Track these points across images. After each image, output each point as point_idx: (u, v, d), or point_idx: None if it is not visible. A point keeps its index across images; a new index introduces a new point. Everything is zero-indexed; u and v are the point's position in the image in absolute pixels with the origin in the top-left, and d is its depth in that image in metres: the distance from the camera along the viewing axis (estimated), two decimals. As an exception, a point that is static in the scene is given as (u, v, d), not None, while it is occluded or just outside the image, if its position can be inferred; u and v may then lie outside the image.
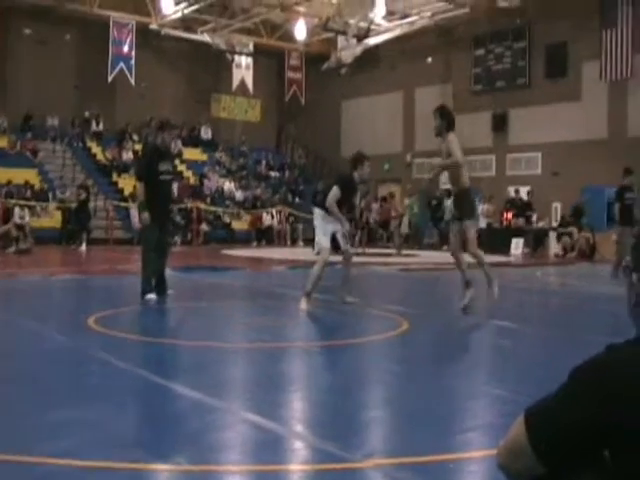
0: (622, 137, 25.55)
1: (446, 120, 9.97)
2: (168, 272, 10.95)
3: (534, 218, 26.89)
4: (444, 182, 31.43)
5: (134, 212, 26.96)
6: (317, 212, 9.91)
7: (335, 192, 9.66)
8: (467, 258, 9.70)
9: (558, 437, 1.72)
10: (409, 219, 25.61)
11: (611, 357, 1.73)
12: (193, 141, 34.41)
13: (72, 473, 3.47)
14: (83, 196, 23.66)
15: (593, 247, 24.01)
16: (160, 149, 10.51)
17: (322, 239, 9.73)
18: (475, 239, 9.78)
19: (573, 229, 24.99)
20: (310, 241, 27.81)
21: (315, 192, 24.78)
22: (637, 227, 16.08)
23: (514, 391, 5.01)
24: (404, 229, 24.83)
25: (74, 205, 24.52)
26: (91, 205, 26.18)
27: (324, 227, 9.78)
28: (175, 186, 11.23)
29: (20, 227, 21.62)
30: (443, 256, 22.51)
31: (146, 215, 10.05)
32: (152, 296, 10.02)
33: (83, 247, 22.60)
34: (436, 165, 11.43)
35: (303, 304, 9.37)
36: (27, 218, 22.79)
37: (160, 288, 10.30)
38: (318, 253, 9.85)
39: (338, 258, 10.24)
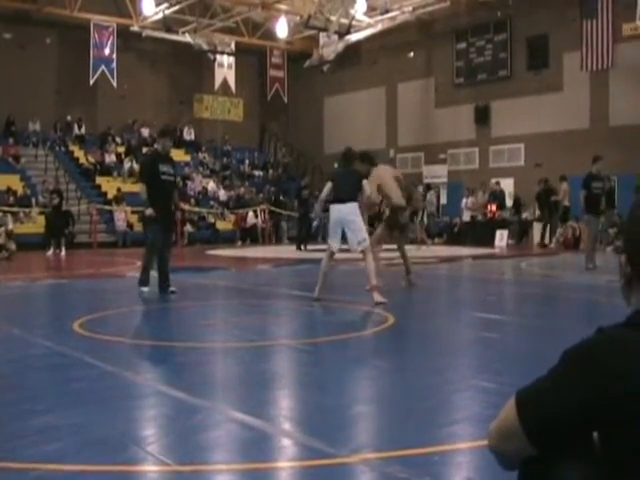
0: (604, 127, 25.69)
1: (369, 161, 11.23)
2: (154, 273, 11.11)
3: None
4: (426, 175, 31.82)
5: (118, 215, 26.95)
6: (353, 207, 9.86)
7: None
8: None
9: (549, 419, 1.72)
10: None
11: (601, 339, 1.73)
12: (176, 142, 34.29)
13: (60, 477, 3.46)
14: (56, 201, 23.49)
15: (578, 237, 24.12)
16: (160, 153, 11.38)
17: (366, 234, 9.99)
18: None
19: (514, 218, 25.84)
20: (293, 239, 28.06)
21: (300, 192, 24.83)
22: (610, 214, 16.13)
23: (500, 382, 5.03)
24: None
25: (48, 210, 24.31)
26: (74, 209, 26.09)
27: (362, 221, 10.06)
28: (176, 193, 11.75)
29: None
30: (427, 250, 22.59)
31: (150, 210, 10.78)
32: (146, 289, 10.82)
33: (62, 252, 22.49)
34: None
35: (379, 297, 9.47)
36: (10, 225, 22.61)
37: (163, 285, 11.03)
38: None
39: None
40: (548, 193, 25.01)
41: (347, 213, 9.80)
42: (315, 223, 27.30)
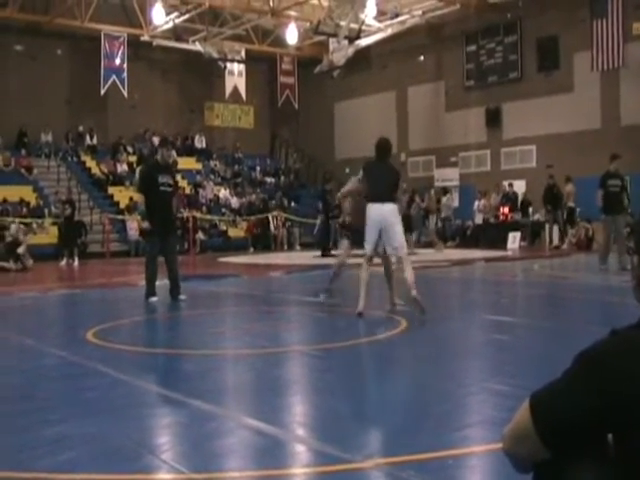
0: (616, 126, 25.60)
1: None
2: (166, 282, 11.17)
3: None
4: (437, 179, 31.77)
5: (130, 224, 27.02)
6: (393, 209, 9.06)
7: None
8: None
9: (562, 422, 1.72)
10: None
11: (615, 341, 1.73)
12: (187, 150, 34.42)
13: (73, 487, 3.46)
14: (68, 211, 23.57)
15: (591, 238, 24.05)
16: (159, 163, 11.48)
17: (404, 240, 9.21)
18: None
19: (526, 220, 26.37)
20: (305, 246, 28.06)
21: (320, 193, 24.72)
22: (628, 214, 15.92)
23: (514, 385, 5.00)
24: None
25: (60, 221, 24.37)
26: (86, 219, 26.19)
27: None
28: (174, 201, 11.79)
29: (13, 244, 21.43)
30: (440, 254, 22.56)
31: (147, 224, 11.11)
32: (154, 299, 10.97)
33: (75, 262, 22.53)
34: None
35: (419, 304, 8.82)
36: (21, 236, 22.66)
37: (173, 293, 11.16)
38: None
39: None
40: (553, 191, 24.85)
41: (388, 215, 8.95)
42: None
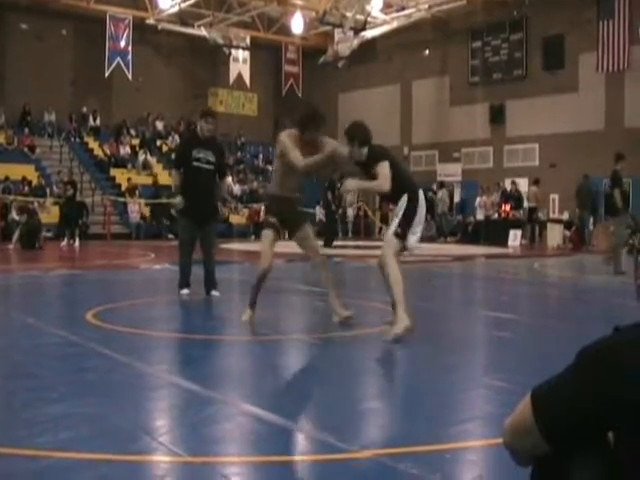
0: (619, 128, 25.62)
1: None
2: (168, 266, 11.12)
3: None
4: (439, 174, 31.77)
5: (132, 207, 27.03)
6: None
7: None
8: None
9: (564, 417, 1.73)
10: None
11: (619, 339, 1.73)
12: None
13: (71, 465, 3.46)
14: (70, 192, 23.56)
15: (582, 237, 24.26)
16: (199, 136, 9.93)
17: (392, 228, 7.20)
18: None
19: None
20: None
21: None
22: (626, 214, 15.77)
23: (513, 382, 5.01)
24: None
25: (62, 201, 24.37)
26: (88, 200, 26.20)
27: None
28: (223, 184, 10.65)
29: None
30: (440, 248, 22.59)
31: (179, 199, 9.74)
32: (185, 291, 9.90)
33: (76, 243, 22.50)
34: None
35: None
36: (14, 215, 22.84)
37: (206, 286, 9.99)
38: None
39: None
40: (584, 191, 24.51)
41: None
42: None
